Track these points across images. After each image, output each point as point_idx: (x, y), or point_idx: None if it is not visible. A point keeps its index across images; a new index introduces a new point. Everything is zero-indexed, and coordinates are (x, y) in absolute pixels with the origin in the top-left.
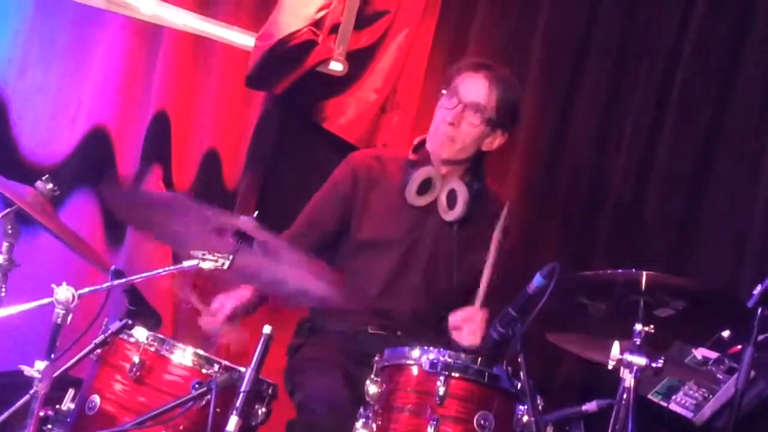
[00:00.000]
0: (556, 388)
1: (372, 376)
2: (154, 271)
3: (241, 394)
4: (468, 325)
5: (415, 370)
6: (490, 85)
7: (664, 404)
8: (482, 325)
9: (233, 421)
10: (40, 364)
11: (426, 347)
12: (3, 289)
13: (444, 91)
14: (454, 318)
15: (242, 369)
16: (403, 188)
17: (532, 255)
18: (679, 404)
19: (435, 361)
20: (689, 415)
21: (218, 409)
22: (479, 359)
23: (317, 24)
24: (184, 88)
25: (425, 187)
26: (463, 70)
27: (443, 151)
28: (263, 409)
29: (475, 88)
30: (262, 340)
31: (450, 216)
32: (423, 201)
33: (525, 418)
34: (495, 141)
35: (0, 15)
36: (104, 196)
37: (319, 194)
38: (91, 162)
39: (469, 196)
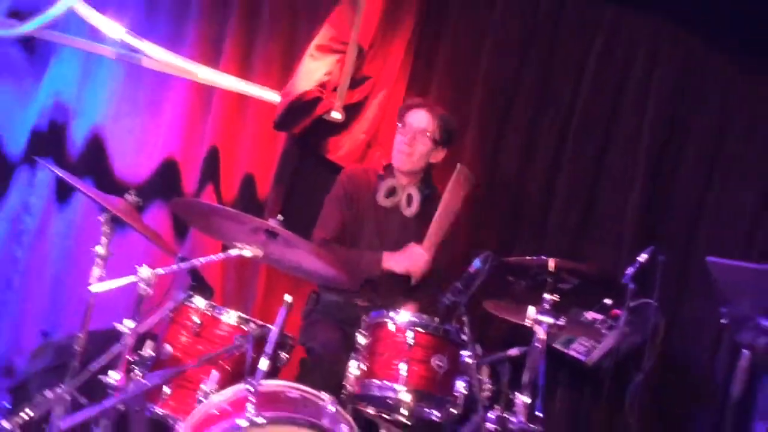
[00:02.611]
0: (488, 340)
1: (361, 330)
2: (209, 257)
3: (270, 344)
4: (407, 254)
5: (391, 326)
6: (431, 115)
7: (565, 350)
8: (418, 258)
9: (264, 362)
10: (129, 323)
11: (397, 310)
12: (104, 271)
13: (399, 124)
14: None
15: (270, 326)
16: (373, 193)
17: (473, 245)
18: (575, 351)
19: (405, 320)
20: (583, 358)
21: (254, 355)
22: (436, 319)
23: (323, 85)
24: (229, 130)
25: (390, 193)
26: (411, 108)
27: (403, 165)
28: (285, 355)
29: (420, 118)
30: (284, 306)
31: (408, 212)
32: (389, 203)
33: (468, 360)
34: (439, 155)
35: (101, 80)
36: (173, 205)
37: (327, 199)
38: (164, 181)
39: (421, 197)
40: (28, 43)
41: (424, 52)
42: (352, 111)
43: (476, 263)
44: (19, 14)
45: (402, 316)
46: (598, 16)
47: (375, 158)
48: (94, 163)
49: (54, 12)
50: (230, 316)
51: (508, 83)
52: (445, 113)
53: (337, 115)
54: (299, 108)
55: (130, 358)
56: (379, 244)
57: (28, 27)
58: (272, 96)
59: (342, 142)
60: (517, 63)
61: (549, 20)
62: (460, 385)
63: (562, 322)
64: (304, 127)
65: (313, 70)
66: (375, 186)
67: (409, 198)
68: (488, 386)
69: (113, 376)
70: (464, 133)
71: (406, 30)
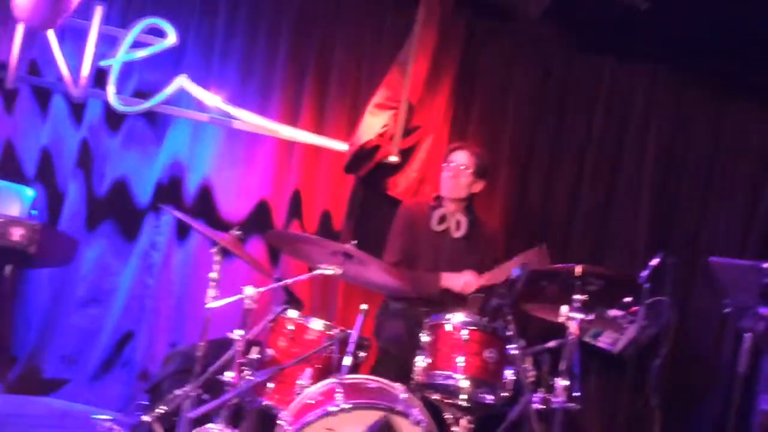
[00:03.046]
0: (528, 336)
1: (424, 331)
2: (298, 277)
3: (351, 345)
4: (463, 278)
5: (449, 326)
6: (469, 153)
7: (594, 342)
8: (471, 283)
9: (347, 360)
10: (239, 332)
11: (453, 312)
12: (217, 291)
13: (445, 164)
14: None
15: (350, 331)
16: (428, 220)
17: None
18: (603, 342)
19: (460, 320)
20: (610, 348)
21: (339, 355)
22: (485, 318)
23: (382, 135)
24: (309, 176)
25: (442, 219)
26: (454, 149)
27: (450, 194)
28: (363, 353)
29: (461, 156)
30: (361, 314)
31: (457, 234)
32: (441, 228)
33: (514, 352)
34: (478, 186)
35: (207, 141)
36: (269, 236)
37: (391, 229)
38: (259, 219)
39: (467, 222)
40: (150, 116)
41: (462, 104)
42: (406, 154)
43: (516, 271)
44: (142, 94)
45: (457, 317)
46: (599, 67)
47: (426, 192)
48: (205, 207)
49: (169, 90)
50: (318, 324)
51: (531, 127)
52: (481, 151)
53: (394, 159)
54: (363, 155)
55: (241, 361)
56: (435, 262)
57: (150, 103)
58: (341, 146)
59: (399, 180)
60: (537, 111)
61: (560, 75)
62: (509, 373)
63: (591, 317)
64: (368, 170)
65: (373, 123)
66: (429, 215)
67: (458, 223)
68: (532, 373)
69: (229, 376)
70: (498, 168)
71: (447, 87)
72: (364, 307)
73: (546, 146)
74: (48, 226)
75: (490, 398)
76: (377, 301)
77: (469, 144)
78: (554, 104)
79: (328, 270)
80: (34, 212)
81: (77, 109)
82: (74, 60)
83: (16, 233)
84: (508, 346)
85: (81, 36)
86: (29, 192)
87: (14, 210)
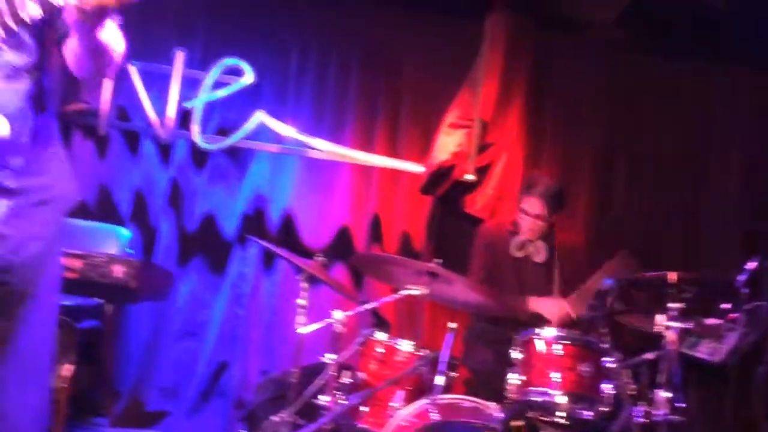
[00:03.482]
0: (623, 347)
1: (515, 347)
2: (385, 299)
3: (442, 364)
4: (554, 305)
5: (541, 341)
6: (541, 202)
7: (692, 353)
8: (562, 312)
9: (440, 379)
10: (331, 356)
11: (546, 328)
12: (306, 317)
13: (521, 206)
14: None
15: (439, 351)
16: (508, 246)
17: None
18: (702, 352)
19: (552, 335)
20: (709, 358)
21: (429, 375)
22: (578, 332)
23: (457, 155)
24: (387, 199)
25: (521, 246)
26: (526, 195)
27: (531, 237)
28: (453, 373)
29: (533, 205)
30: (450, 332)
31: (539, 259)
32: (521, 254)
33: (611, 365)
34: (554, 218)
35: (286, 172)
36: (354, 259)
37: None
38: (341, 244)
39: (547, 247)
40: (232, 151)
41: (536, 117)
42: (482, 172)
43: (607, 282)
44: (224, 131)
45: (549, 332)
46: (677, 71)
47: (504, 209)
48: (288, 236)
49: (248, 126)
50: (407, 345)
51: (608, 136)
52: (552, 185)
53: (470, 177)
54: (439, 175)
55: (334, 385)
56: (518, 287)
57: (231, 140)
58: (417, 168)
59: (476, 198)
60: (613, 119)
61: (636, 81)
62: (607, 387)
63: (690, 326)
64: (445, 189)
65: (448, 143)
66: (508, 240)
67: (537, 249)
68: (632, 386)
69: (323, 400)
70: (576, 181)
71: (519, 103)
72: (452, 325)
73: (624, 155)
74: (146, 262)
75: (588, 414)
76: (464, 320)
77: (540, 181)
78: (631, 111)
79: (414, 290)
80: (130, 251)
81: (165, 150)
82: (160, 103)
83: (118, 270)
84: (603, 359)
85: (165, 80)
86: (125, 231)
87: (113, 249)
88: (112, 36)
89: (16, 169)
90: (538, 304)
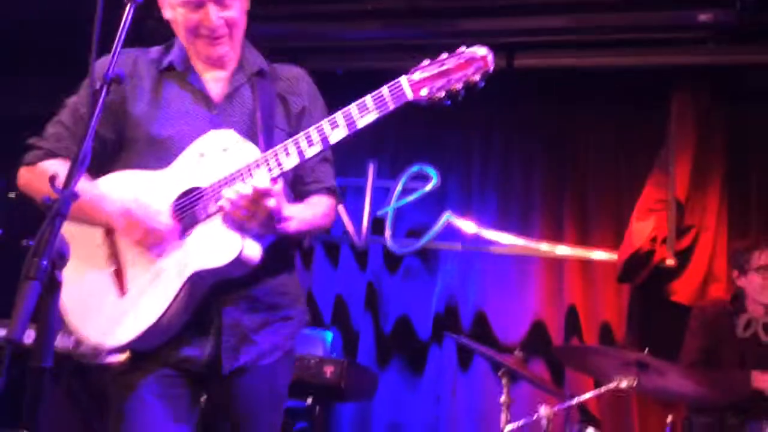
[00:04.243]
0: None
1: None
2: (593, 392)
3: None
4: None
5: None
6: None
7: None
8: None
9: None
10: None
11: None
12: (509, 415)
13: (737, 289)
14: None
15: None
16: (729, 325)
17: None
18: None
19: None
20: None
21: None
22: None
23: (653, 240)
24: (582, 290)
25: (747, 325)
26: (742, 272)
27: (756, 314)
28: None
29: (751, 280)
30: (668, 426)
31: (766, 338)
32: (747, 334)
33: None
34: None
35: (475, 269)
36: (556, 351)
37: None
38: (536, 339)
39: None
40: (422, 253)
41: (737, 193)
42: (683, 256)
43: None
44: (413, 233)
45: None
46: None
47: (712, 291)
48: (482, 333)
49: (436, 228)
50: None
51: None
52: None
53: (670, 263)
54: (636, 262)
55: None
56: (741, 367)
57: (421, 243)
58: (610, 256)
59: (680, 284)
60: None
61: None
62: None
63: None
64: (644, 277)
65: (642, 228)
66: (731, 320)
67: (765, 327)
68: None
69: None
70: None
71: (716, 179)
72: (668, 419)
73: None
74: (353, 363)
75: None
76: (679, 413)
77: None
78: None
79: (623, 382)
80: (334, 353)
81: (361, 256)
82: (355, 214)
83: (329, 371)
84: None
85: (359, 192)
86: (329, 334)
87: (319, 351)
88: None
89: (270, 287)
90: (762, 380)
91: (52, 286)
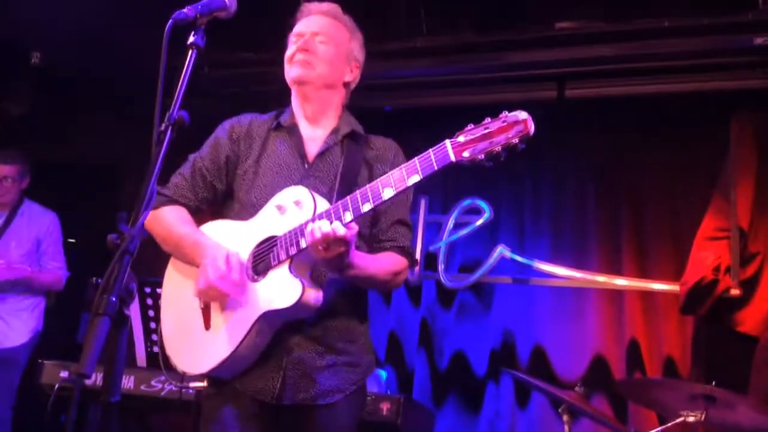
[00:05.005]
0: None
1: None
2: (657, 430)
3: None
4: None
5: None
6: None
7: None
8: None
9: None
10: None
11: None
12: None
13: None
14: None
15: None
16: None
17: None
18: None
19: None
20: None
21: None
22: None
23: (716, 269)
24: (643, 322)
25: None
26: None
27: None
28: None
29: None
30: None
31: None
32: None
33: None
34: None
35: (532, 303)
36: (619, 385)
37: (755, 362)
38: (597, 373)
39: None
40: (476, 287)
41: None
42: (749, 285)
43: None
44: (466, 268)
45: None
46: None
47: None
48: (540, 368)
49: (490, 262)
50: None
51: None
52: None
53: (735, 292)
54: (699, 293)
55: None
56: None
57: (475, 277)
58: (672, 287)
59: (746, 314)
60: None
61: None
62: None
63: None
64: (708, 307)
65: (704, 258)
66: None
67: None
68: None
69: None
70: None
71: None
72: None
73: None
74: (410, 400)
75: None
76: None
77: None
78: None
79: (690, 417)
80: (389, 390)
81: (414, 292)
82: None
83: (385, 408)
84: None
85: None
86: (383, 372)
87: (374, 389)
88: None
89: (337, 332)
90: None
91: (121, 322)
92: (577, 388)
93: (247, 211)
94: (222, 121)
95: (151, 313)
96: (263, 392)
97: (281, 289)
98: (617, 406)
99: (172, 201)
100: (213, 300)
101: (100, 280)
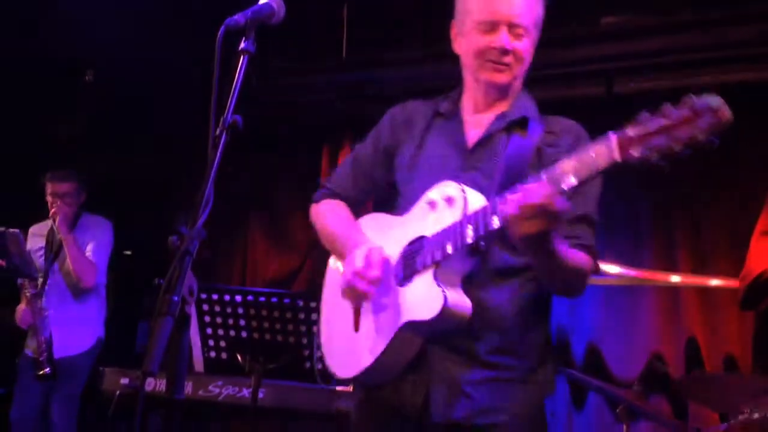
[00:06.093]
0: None
1: None
2: (720, 426)
3: None
4: None
5: None
6: None
7: None
8: None
9: None
10: None
11: None
12: None
13: None
14: None
15: None
16: None
17: None
18: None
19: None
20: None
21: None
22: None
23: None
24: (702, 320)
25: None
26: None
27: None
28: None
29: None
30: None
31: None
32: None
33: None
34: None
35: (587, 301)
36: (675, 387)
37: None
38: (654, 373)
39: None
40: None
41: None
42: None
43: None
44: None
45: None
46: None
47: None
48: (595, 368)
49: None
50: None
51: None
52: None
53: None
54: (760, 287)
55: None
56: None
57: None
58: (730, 282)
59: None
60: None
61: None
62: None
63: None
64: None
65: (763, 251)
66: None
67: None
68: None
69: None
70: None
71: None
72: None
73: None
74: None
75: None
76: None
77: None
78: None
79: (755, 414)
80: None
81: None
82: None
83: None
84: None
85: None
86: None
87: None
88: None
89: (496, 344)
90: None
91: (183, 321)
92: (634, 387)
93: (405, 205)
94: None
95: (207, 318)
96: (410, 407)
97: (424, 299)
98: (677, 405)
99: (332, 194)
100: (354, 300)
101: (161, 281)
